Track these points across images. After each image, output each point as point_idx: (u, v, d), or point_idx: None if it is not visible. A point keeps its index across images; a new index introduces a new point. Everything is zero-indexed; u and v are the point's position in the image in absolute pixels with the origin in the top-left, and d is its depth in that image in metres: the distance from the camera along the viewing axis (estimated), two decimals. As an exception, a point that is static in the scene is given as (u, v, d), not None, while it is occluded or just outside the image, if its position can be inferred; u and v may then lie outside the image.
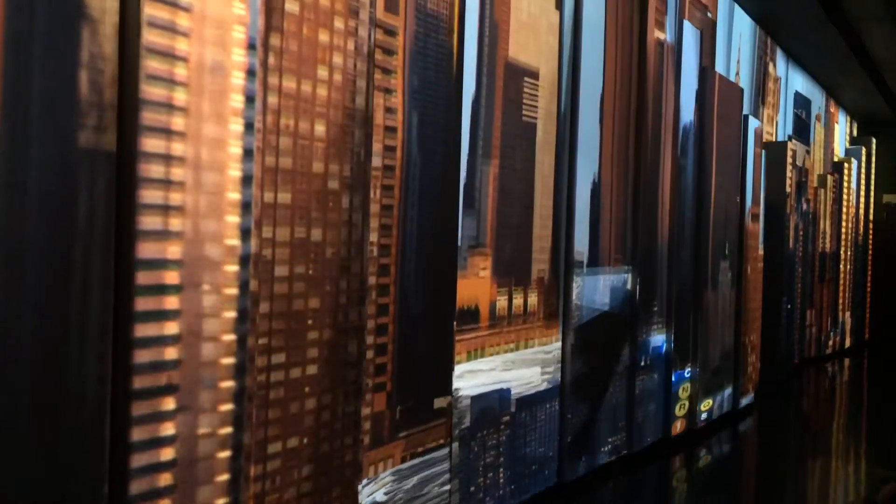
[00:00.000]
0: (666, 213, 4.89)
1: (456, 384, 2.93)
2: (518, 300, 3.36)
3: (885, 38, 7.56)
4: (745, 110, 6.81)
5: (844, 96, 9.93)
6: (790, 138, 8.07)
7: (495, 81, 3.31)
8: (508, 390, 3.28)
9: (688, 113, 5.52)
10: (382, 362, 2.67)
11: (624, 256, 4.27)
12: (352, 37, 2.58)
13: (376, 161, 2.66)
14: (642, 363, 4.41)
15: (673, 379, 4.93)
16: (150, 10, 1.88)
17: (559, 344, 3.62)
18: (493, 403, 3.17)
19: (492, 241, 3.19)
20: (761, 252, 6.98)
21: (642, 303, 4.38)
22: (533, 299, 3.44)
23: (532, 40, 3.61)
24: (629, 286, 4.28)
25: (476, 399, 3.07)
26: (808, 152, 8.68)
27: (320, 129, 2.48)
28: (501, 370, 3.26)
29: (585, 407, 3.83)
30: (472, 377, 3.05)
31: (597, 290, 3.96)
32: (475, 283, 3.14)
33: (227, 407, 2.09)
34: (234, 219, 2.14)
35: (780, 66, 7.84)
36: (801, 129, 8.51)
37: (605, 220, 4.10)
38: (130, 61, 1.90)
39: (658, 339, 4.69)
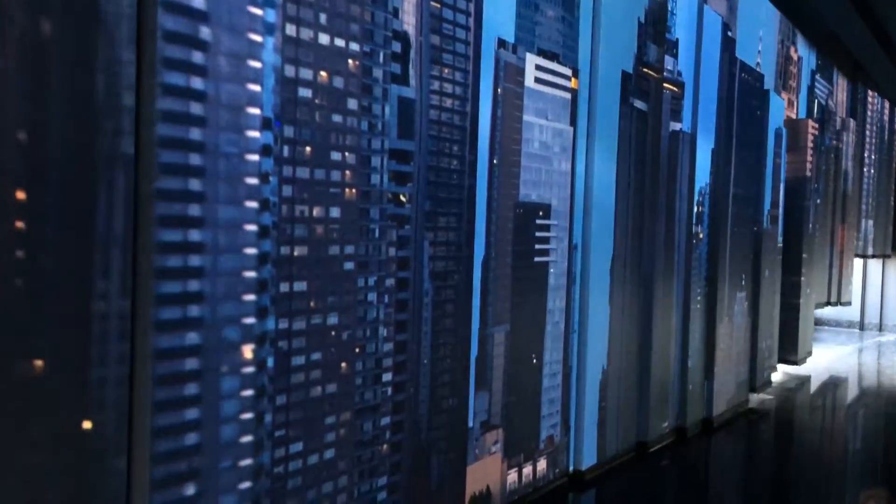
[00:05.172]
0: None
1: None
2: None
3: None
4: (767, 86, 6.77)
5: (867, 81, 9.73)
6: (813, 73, 7.96)
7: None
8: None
9: (703, 177, 5.55)
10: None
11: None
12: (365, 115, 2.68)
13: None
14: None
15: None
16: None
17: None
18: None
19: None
20: (780, 244, 7.02)
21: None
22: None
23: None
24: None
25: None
26: (831, 92, 8.56)
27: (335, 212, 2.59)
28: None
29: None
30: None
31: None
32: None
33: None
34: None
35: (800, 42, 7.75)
36: (825, 69, 8.40)
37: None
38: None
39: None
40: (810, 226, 7.77)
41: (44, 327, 1.79)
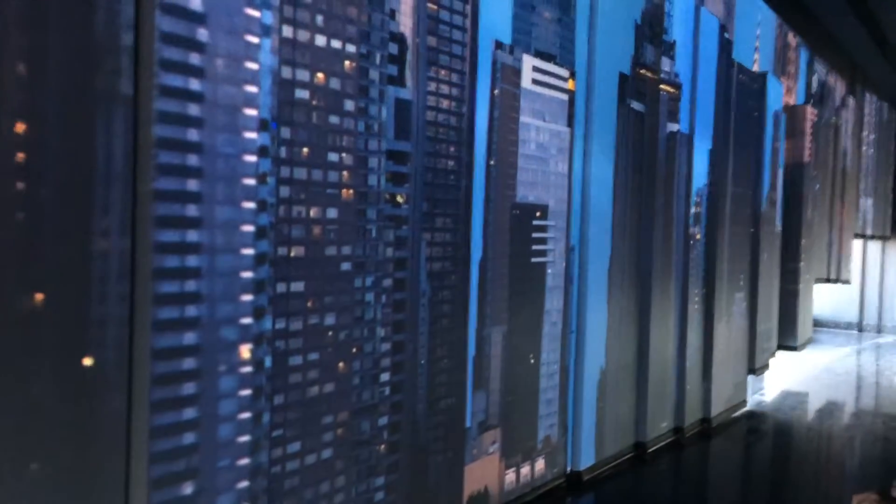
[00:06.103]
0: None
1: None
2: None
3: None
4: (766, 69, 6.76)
5: (864, 80, 9.71)
6: (811, 51, 7.93)
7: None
8: None
9: (701, 178, 5.56)
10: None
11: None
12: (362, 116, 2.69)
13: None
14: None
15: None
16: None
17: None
18: None
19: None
20: (779, 228, 7.02)
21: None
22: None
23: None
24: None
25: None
26: (828, 72, 8.50)
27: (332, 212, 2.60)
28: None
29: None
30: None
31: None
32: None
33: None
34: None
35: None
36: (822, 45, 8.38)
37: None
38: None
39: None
40: (809, 211, 7.73)
41: (44, 260, 1.80)
